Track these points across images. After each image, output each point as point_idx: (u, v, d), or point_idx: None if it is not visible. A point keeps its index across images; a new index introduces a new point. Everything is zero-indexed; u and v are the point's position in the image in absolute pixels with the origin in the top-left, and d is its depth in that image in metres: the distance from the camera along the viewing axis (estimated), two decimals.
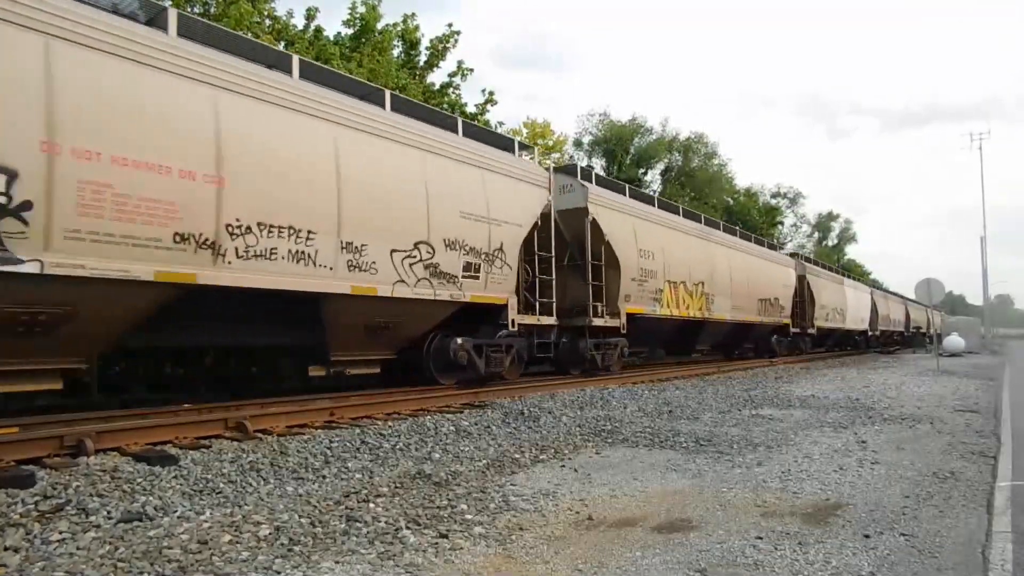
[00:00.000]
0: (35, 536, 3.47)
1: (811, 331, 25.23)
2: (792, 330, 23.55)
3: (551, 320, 11.64)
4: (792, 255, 27.29)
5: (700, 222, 18.06)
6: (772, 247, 24.78)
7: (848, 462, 5.77)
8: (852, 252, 71.62)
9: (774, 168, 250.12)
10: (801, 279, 24.80)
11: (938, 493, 4.80)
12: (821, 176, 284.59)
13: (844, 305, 29.21)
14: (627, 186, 15.76)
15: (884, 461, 5.85)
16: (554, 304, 11.65)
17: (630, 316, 13.57)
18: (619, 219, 13.57)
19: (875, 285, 46.42)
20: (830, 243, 68.06)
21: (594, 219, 12.63)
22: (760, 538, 3.74)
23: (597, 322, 12.56)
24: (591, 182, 13.32)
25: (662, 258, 14.86)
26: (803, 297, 24.81)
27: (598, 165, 39.10)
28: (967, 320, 42.46)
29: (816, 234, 65.81)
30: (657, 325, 15.11)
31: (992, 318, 63.98)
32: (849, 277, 35.68)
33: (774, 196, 56.05)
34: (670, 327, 16.03)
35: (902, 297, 45.93)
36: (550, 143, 31.66)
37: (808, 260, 28.35)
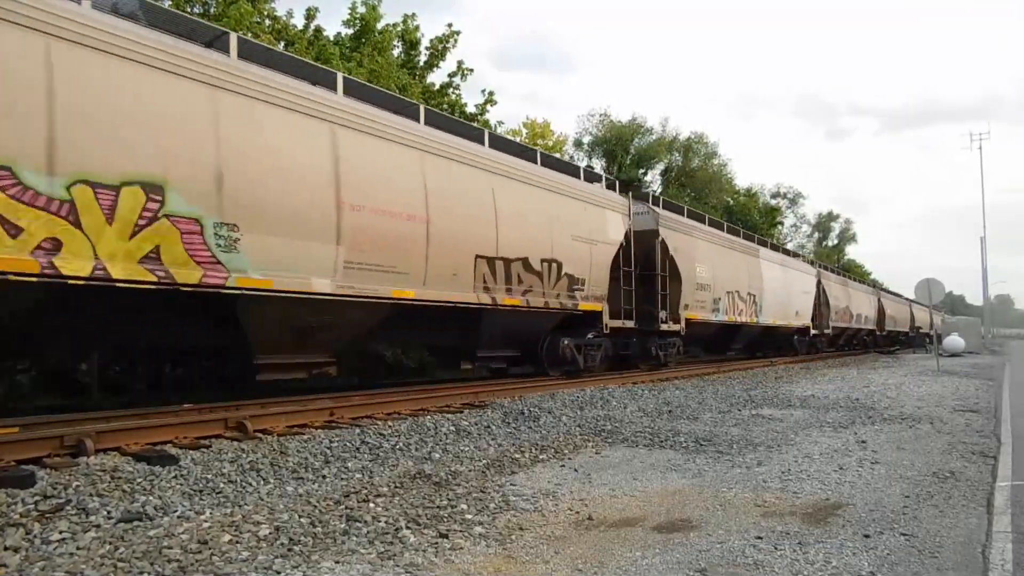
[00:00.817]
0: (35, 536, 3.47)
1: (670, 327, 14.82)
2: (610, 323, 12.85)
3: None
4: (630, 193, 15.08)
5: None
6: (551, 163, 12.87)
7: (848, 462, 5.77)
8: (852, 252, 71.75)
9: (774, 168, 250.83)
10: (652, 236, 14.54)
11: (938, 493, 4.80)
12: (821, 176, 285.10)
13: (759, 289, 19.89)
14: None
15: (884, 461, 5.85)
16: None
17: None
18: None
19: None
20: (830, 243, 68.20)
21: None
22: (760, 538, 3.75)
23: None
24: None
25: None
26: (654, 268, 14.51)
27: (598, 165, 39.08)
28: (967, 320, 42.28)
29: (816, 234, 65.95)
30: None
31: (992, 318, 64.18)
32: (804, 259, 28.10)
33: (774, 196, 56.01)
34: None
35: (875, 287, 41.21)
36: (550, 143, 31.60)
37: (671, 208, 17.01)
